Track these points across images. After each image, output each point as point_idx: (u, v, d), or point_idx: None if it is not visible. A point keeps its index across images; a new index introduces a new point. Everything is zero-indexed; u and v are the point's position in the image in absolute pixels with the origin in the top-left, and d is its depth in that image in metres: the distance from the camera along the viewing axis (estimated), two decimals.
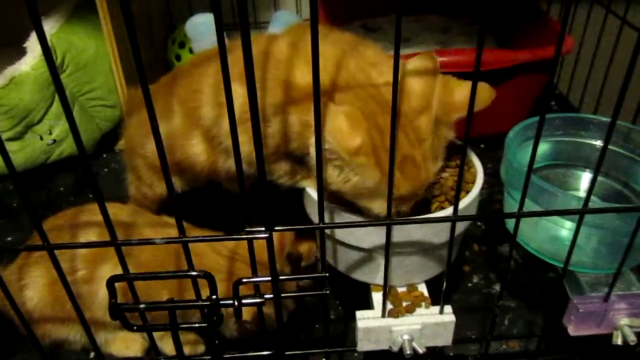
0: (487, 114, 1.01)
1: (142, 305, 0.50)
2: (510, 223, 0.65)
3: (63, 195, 1.02)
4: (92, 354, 0.72)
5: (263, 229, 0.46)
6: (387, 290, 0.59)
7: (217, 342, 0.54)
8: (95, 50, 1.04)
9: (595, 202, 0.68)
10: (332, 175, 0.52)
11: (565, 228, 0.59)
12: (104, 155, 1.11)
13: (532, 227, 0.62)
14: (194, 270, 0.49)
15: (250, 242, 0.48)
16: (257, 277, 0.50)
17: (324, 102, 0.52)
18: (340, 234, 0.55)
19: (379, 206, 0.53)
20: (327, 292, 0.51)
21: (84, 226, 0.69)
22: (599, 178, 0.71)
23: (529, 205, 0.58)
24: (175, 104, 0.66)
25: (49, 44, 0.97)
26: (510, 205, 0.63)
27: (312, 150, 0.54)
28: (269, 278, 0.49)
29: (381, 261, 0.56)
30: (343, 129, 0.48)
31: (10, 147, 0.98)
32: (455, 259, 0.85)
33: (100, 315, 0.65)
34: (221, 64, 0.36)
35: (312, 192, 0.56)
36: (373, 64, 0.55)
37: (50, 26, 1.00)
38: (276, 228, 0.46)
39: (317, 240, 0.64)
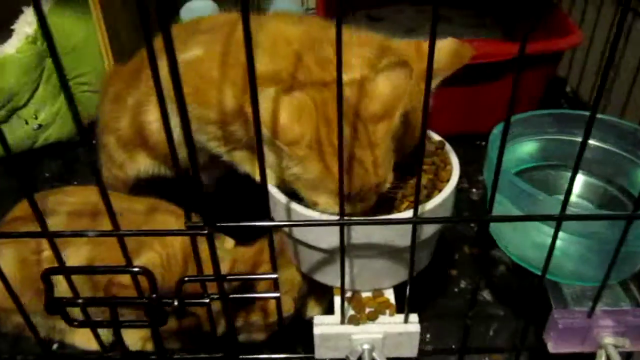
0: (489, 108, 0.97)
1: (80, 300, 0.47)
2: (493, 225, 0.60)
3: (49, 180, 1.00)
4: (55, 345, 0.70)
5: (202, 224, 0.42)
6: (351, 295, 0.55)
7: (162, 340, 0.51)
8: (85, 34, 1.01)
9: (587, 209, 0.63)
10: (273, 161, 0.48)
11: (547, 234, 0.54)
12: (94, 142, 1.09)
13: (513, 232, 0.57)
14: (132, 266, 0.46)
15: (192, 238, 0.45)
16: (201, 275, 0.46)
17: (277, 89, 0.48)
18: (297, 232, 0.51)
19: (324, 202, 0.49)
20: (278, 295, 0.47)
21: (54, 209, 0.67)
22: (596, 182, 0.66)
23: (509, 209, 0.54)
24: (143, 72, 0.63)
25: (35, 26, 0.96)
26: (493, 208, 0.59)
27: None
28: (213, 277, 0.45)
29: (346, 263, 0.52)
30: (282, 117, 0.45)
31: None
32: (441, 261, 0.81)
33: None
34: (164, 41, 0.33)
35: (275, 191, 0.52)
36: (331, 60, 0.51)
37: None
38: (218, 225, 0.42)
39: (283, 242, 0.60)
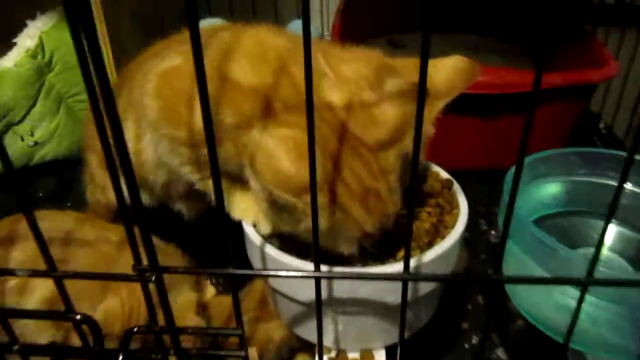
0: (514, 143, 0.89)
1: (16, 347, 0.41)
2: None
3: (42, 200, 0.95)
4: None
5: (148, 268, 0.35)
6: (335, 355, 0.47)
7: None
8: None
9: (620, 267, 0.54)
10: (277, 218, 0.42)
11: (570, 297, 0.45)
12: None
13: (531, 289, 0.48)
14: (73, 312, 0.39)
15: (142, 284, 0.38)
16: (153, 326, 0.39)
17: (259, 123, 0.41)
18: (274, 282, 0.44)
19: (347, 247, 0.44)
20: (244, 354, 0.40)
21: (26, 234, 0.62)
22: (632, 234, 0.57)
23: (526, 263, 0.45)
24: (123, 88, 0.57)
25: (38, 41, 0.93)
26: (506, 262, 0.50)
27: (251, 183, 0.44)
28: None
29: (328, 318, 0.45)
30: (281, 162, 0.38)
31: None
32: (450, 311, 0.72)
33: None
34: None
35: (250, 231, 0.45)
36: (324, 73, 0.45)
37: (43, 23, 0.95)
38: (164, 269, 0.35)
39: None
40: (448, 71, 0.47)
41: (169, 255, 0.61)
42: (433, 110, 0.45)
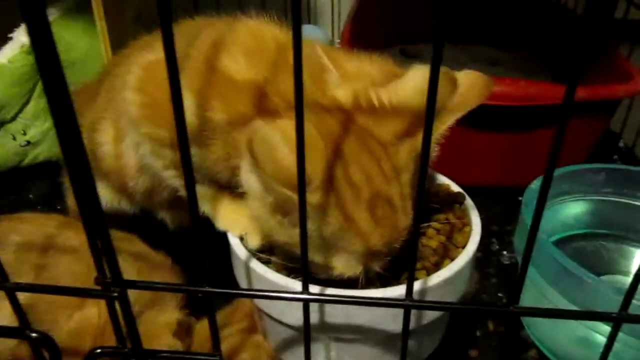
0: (533, 159, 0.84)
1: None
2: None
3: (31, 203, 0.91)
4: None
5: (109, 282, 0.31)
6: None
7: None
8: (87, 48, 0.94)
9: None
10: (270, 220, 0.37)
11: (598, 332, 0.40)
12: None
13: (550, 322, 0.43)
14: (28, 330, 0.34)
15: (107, 301, 0.33)
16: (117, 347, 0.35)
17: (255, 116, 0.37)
18: (260, 303, 0.39)
19: (342, 264, 0.37)
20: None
21: (3, 239, 0.58)
22: None
23: (544, 290, 0.40)
24: (105, 81, 0.54)
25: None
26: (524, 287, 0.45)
27: (244, 177, 0.39)
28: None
29: (319, 344, 0.40)
30: (282, 153, 0.33)
31: None
32: (458, 338, 0.67)
33: None
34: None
35: (236, 244, 0.40)
36: (327, 68, 0.40)
37: None
38: (128, 284, 0.30)
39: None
40: (462, 85, 0.43)
41: (158, 266, 0.56)
42: (441, 126, 0.40)
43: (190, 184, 0.28)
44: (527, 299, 0.44)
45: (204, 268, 0.31)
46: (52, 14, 0.94)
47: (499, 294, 0.74)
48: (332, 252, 0.37)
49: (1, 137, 0.90)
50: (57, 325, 0.52)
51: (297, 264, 0.39)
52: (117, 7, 0.92)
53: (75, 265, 0.55)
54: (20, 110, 0.89)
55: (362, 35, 1.02)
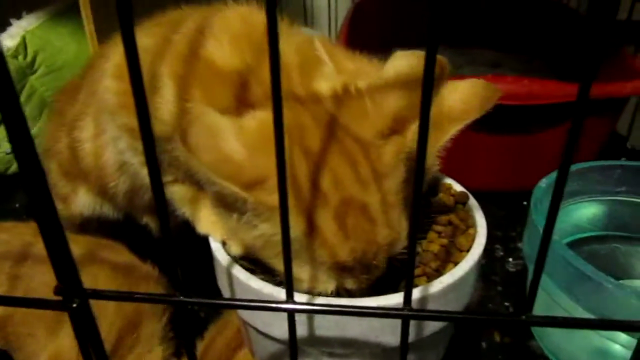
0: (538, 162, 0.80)
1: None
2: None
3: (17, 212, 0.88)
4: None
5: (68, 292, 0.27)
6: None
7: None
8: (76, 53, 0.92)
9: None
10: (229, 219, 0.33)
11: (617, 342, 0.36)
12: None
13: (564, 332, 0.39)
14: None
15: (70, 311, 0.30)
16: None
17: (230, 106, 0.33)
18: (244, 313, 0.36)
19: (309, 276, 0.33)
20: None
21: None
22: None
23: (556, 297, 0.36)
24: (88, 75, 0.51)
25: (20, 40, 0.87)
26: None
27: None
28: None
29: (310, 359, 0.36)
30: (234, 148, 0.30)
31: None
32: (463, 349, 0.63)
33: None
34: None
35: (217, 249, 0.37)
36: (321, 61, 0.37)
37: (28, 22, 0.90)
38: (89, 293, 0.27)
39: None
40: (464, 94, 0.40)
41: (142, 278, 0.53)
42: (442, 136, 0.37)
43: (155, 179, 0.24)
44: (537, 307, 0.40)
45: (175, 276, 0.27)
46: (40, 18, 0.91)
47: (506, 303, 0.70)
48: (299, 263, 0.33)
49: None
50: (34, 339, 0.49)
51: (279, 277, 0.35)
52: (105, 11, 0.89)
53: (51, 275, 0.52)
54: None
55: (358, 38, 0.99)
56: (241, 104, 0.34)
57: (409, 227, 0.25)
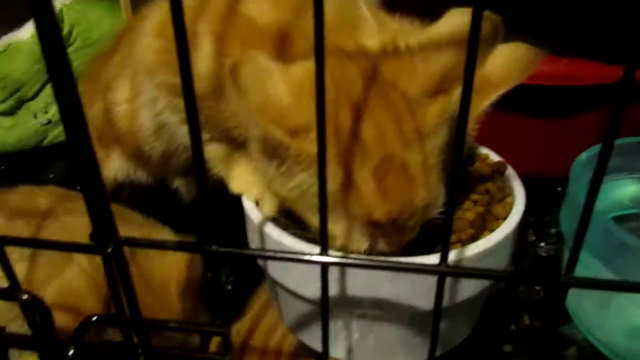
0: (572, 147, 0.78)
1: None
2: (571, 298, 0.42)
3: (51, 183, 0.89)
4: None
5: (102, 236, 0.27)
6: None
7: None
8: (110, 27, 0.93)
9: None
10: (268, 169, 0.33)
11: None
12: None
13: (601, 310, 0.38)
14: (19, 290, 0.31)
15: (105, 258, 0.30)
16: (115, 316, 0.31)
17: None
18: (273, 271, 0.35)
19: (343, 233, 0.33)
20: (228, 359, 0.32)
21: None
22: None
23: (597, 271, 0.35)
24: (125, 37, 0.51)
25: (58, 13, 0.88)
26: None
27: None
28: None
29: (340, 323, 0.36)
30: (281, 94, 0.30)
31: (3, 123, 0.88)
32: (492, 331, 0.62)
33: None
34: None
35: (249, 207, 0.36)
36: (364, 18, 0.36)
37: None
38: (123, 239, 0.27)
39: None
40: (505, 58, 0.39)
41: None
42: (482, 102, 0.36)
43: (195, 131, 0.24)
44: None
45: (211, 226, 0.27)
46: None
47: (536, 287, 0.69)
48: (333, 218, 0.33)
49: (22, 115, 0.88)
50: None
51: (312, 233, 0.35)
52: None
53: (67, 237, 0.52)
54: (42, 88, 0.88)
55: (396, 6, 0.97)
56: (281, 60, 0.34)
57: (450, 186, 0.24)
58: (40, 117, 0.89)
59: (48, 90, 0.88)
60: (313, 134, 0.30)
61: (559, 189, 0.84)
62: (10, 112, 0.87)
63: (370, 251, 0.32)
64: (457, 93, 0.32)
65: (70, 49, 0.89)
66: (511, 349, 0.61)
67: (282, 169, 0.32)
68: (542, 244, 0.76)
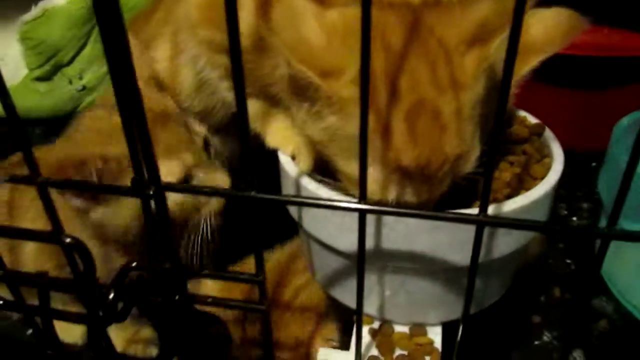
0: (607, 121, 0.76)
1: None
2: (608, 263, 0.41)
3: None
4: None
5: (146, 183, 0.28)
6: (378, 327, 0.38)
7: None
8: None
9: None
10: (298, 109, 0.33)
11: None
12: None
13: (636, 272, 0.37)
14: (62, 234, 0.32)
15: (144, 199, 0.30)
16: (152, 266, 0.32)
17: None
18: (308, 224, 0.36)
19: (371, 179, 0.32)
20: (264, 308, 0.32)
21: None
22: None
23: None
24: (161, 6, 0.52)
25: None
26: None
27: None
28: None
29: (372, 277, 0.36)
30: (315, 35, 0.30)
31: (39, 87, 0.90)
32: (521, 301, 0.62)
33: None
34: None
35: (286, 161, 0.37)
36: None
37: None
38: (164, 184, 0.28)
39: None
40: (547, 23, 0.38)
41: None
42: (523, 66, 0.35)
43: (239, 82, 0.24)
44: (613, 255, 0.39)
45: (251, 173, 0.27)
46: None
47: (567, 260, 0.68)
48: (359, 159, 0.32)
49: (58, 80, 0.90)
50: None
51: (343, 182, 0.35)
52: None
53: None
54: (77, 54, 0.89)
55: None
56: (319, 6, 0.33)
57: (492, 132, 0.24)
58: (75, 83, 0.90)
59: (83, 56, 0.89)
60: (345, 77, 0.30)
61: (594, 164, 0.82)
62: (46, 77, 0.89)
63: (398, 201, 0.32)
64: (495, 43, 0.31)
65: None
66: (540, 319, 0.60)
67: (313, 110, 0.32)
68: (574, 218, 0.75)
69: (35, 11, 0.84)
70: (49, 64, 0.88)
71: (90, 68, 0.91)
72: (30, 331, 0.58)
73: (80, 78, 0.91)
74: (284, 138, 0.39)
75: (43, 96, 0.90)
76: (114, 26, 0.23)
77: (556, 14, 0.39)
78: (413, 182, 0.32)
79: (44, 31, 0.85)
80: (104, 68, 0.92)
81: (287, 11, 0.30)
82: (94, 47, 0.90)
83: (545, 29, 0.38)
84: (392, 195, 0.32)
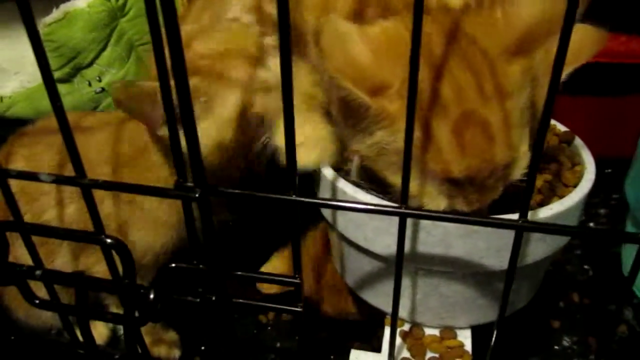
0: (624, 127, 0.77)
1: (38, 272, 0.35)
2: (627, 265, 0.41)
3: None
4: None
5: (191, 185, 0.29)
6: (409, 329, 0.39)
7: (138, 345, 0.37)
8: None
9: None
10: (345, 126, 0.34)
11: None
12: None
13: None
14: (103, 234, 0.33)
15: (185, 202, 0.31)
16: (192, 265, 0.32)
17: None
18: (343, 227, 0.36)
19: (418, 190, 0.33)
20: (300, 309, 0.33)
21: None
22: None
23: None
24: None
25: None
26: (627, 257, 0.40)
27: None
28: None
29: (406, 281, 0.36)
30: (360, 53, 0.30)
31: (59, 90, 0.89)
32: (541, 307, 0.62)
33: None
34: None
35: (325, 169, 0.37)
36: None
37: None
38: (213, 188, 0.28)
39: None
40: (575, 37, 0.38)
41: None
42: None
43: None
44: (629, 256, 0.39)
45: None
46: None
47: (585, 266, 0.68)
48: (412, 176, 0.33)
49: (77, 82, 0.91)
50: None
51: (388, 193, 0.35)
52: None
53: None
54: (97, 57, 0.89)
55: None
56: (357, 22, 0.34)
57: (536, 139, 0.24)
58: (94, 85, 0.91)
59: (103, 58, 0.90)
60: (392, 91, 0.31)
61: (608, 170, 0.83)
62: (66, 79, 0.90)
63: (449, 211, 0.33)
64: (540, 53, 0.31)
65: (124, 19, 0.91)
66: (559, 324, 0.61)
67: (361, 126, 0.33)
68: (591, 224, 0.75)
69: (56, 13, 0.85)
70: (69, 66, 0.88)
71: (109, 71, 0.92)
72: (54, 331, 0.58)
73: (99, 80, 0.91)
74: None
75: (63, 98, 0.88)
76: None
77: (582, 29, 0.39)
78: (464, 192, 0.33)
79: (65, 33, 0.86)
80: (123, 71, 0.93)
81: (334, 35, 0.30)
82: (113, 49, 0.91)
83: (574, 40, 0.38)
84: (443, 205, 0.33)
